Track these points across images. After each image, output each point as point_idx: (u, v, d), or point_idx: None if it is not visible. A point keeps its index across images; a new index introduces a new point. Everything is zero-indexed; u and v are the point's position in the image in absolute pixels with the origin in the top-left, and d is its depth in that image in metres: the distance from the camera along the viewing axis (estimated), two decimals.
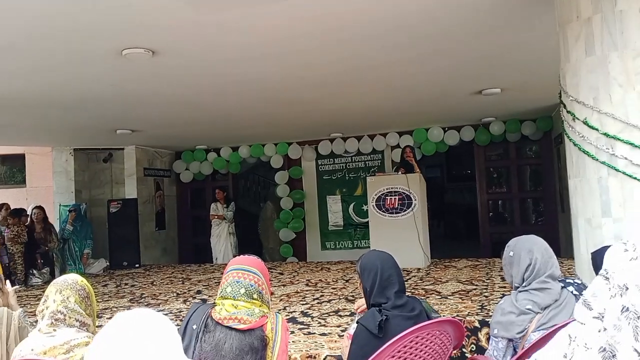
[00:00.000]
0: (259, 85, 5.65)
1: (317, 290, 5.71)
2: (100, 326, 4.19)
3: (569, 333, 1.49)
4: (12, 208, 7.77)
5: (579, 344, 1.44)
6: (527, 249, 2.38)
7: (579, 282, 2.42)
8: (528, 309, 2.28)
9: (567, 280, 2.39)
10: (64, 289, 2.12)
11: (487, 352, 2.48)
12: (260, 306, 2.07)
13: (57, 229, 8.65)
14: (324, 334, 3.83)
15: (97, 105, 6.28)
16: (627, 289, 1.40)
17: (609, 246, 2.55)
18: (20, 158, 10.59)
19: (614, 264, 1.48)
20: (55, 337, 2.03)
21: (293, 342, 3.63)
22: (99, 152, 9.77)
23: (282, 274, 7.12)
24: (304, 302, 5.04)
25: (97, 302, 5.67)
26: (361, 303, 2.54)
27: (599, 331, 1.41)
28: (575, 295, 2.32)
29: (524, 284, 2.36)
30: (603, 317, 1.43)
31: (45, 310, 2.09)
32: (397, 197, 7.03)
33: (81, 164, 9.67)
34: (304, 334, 3.85)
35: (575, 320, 1.52)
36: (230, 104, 6.53)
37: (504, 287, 5.13)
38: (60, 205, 9.12)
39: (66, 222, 8.50)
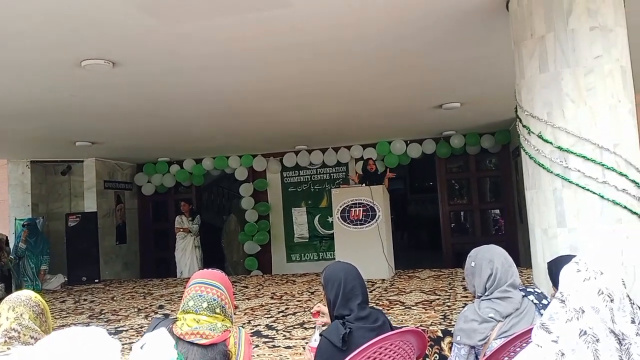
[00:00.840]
0: (221, 96, 5.63)
1: (282, 303, 5.68)
2: None
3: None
4: None
5: None
6: (488, 259, 2.43)
7: (539, 291, 2.48)
8: (490, 317, 2.33)
9: (528, 290, 2.44)
10: (17, 305, 2.05)
11: (449, 359, 2.52)
12: (222, 320, 2.04)
13: (12, 244, 8.36)
14: (288, 347, 3.82)
15: (55, 117, 6.13)
16: (584, 311, 1.43)
17: (564, 256, 2.66)
18: None
19: (568, 285, 1.51)
20: (10, 356, 1.95)
21: (258, 355, 3.60)
22: (57, 164, 9.50)
23: (246, 287, 7.06)
24: (269, 315, 5.00)
25: (55, 318, 5.51)
26: (321, 309, 2.54)
27: (557, 354, 1.44)
28: (535, 304, 2.39)
29: (486, 293, 2.41)
30: (558, 337, 1.45)
31: None
32: (361, 209, 7.10)
33: (38, 176, 9.38)
34: (269, 347, 3.83)
35: (532, 342, 1.55)
36: (192, 115, 6.48)
37: (466, 297, 5.22)
38: (15, 220, 8.81)
39: (20, 239, 8.20)
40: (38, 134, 7.06)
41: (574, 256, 2.57)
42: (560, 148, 3.08)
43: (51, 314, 5.79)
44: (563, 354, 1.41)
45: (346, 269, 2.39)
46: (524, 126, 3.32)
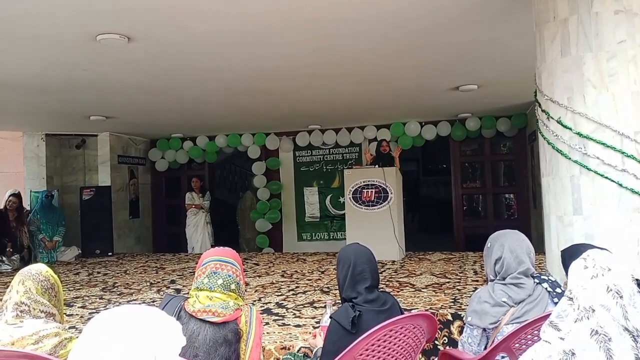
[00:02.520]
0: (235, 74, 5.59)
1: (293, 281, 5.71)
2: (71, 315, 4.10)
3: (533, 358, 1.50)
4: None
5: None
6: (500, 244, 2.43)
7: (553, 279, 2.47)
8: (504, 302, 2.33)
9: (542, 277, 2.44)
10: (27, 279, 2.08)
11: (460, 338, 2.53)
12: (235, 299, 2.06)
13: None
14: (298, 326, 3.84)
15: (70, 91, 6.14)
16: (594, 310, 1.40)
17: (578, 244, 2.63)
18: None
19: (576, 283, 1.48)
20: (23, 328, 1.99)
21: (267, 333, 3.63)
22: (72, 138, 9.57)
23: (257, 264, 7.11)
24: (279, 294, 5.04)
25: (69, 290, 5.60)
26: (314, 344, 2.56)
27: (565, 353, 1.42)
28: (549, 292, 2.38)
29: (498, 278, 2.41)
30: (567, 335, 1.43)
31: (9, 300, 2.05)
32: (373, 190, 7.08)
33: (53, 149, 9.46)
34: (279, 325, 3.86)
35: (541, 339, 1.53)
36: (206, 92, 6.46)
37: (477, 281, 5.22)
38: (31, 192, 8.92)
39: (37, 213, 8.33)
40: (53, 107, 7.09)
41: (589, 245, 2.55)
42: (579, 134, 3.03)
43: (65, 285, 5.85)
44: (574, 354, 1.39)
45: (357, 252, 2.39)
46: (543, 111, 3.26)
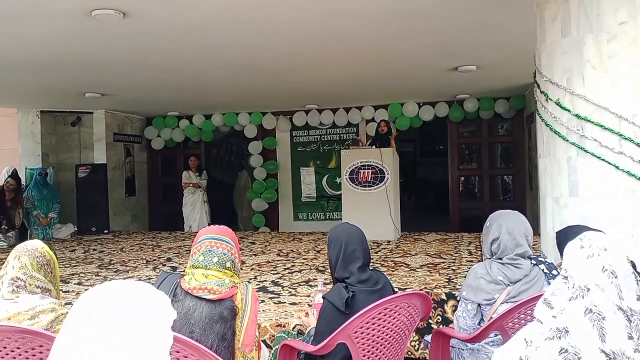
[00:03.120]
0: (232, 52, 5.53)
1: (289, 260, 5.74)
2: (67, 292, 4.12)
3: (525, 337, 1.51)
4: None
5: (536, 347, 1.46)
6: (499, 224, 2.44)
7: (550, 261, 2.49)
8: (500, 280, 2.35)
9: (539, 259, 2.46)
10: (22, 255, 2.08)
11: (455, 313, 2.56)
12: (231, 276, 2.06)
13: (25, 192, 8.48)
14: (293, 304, 3.87)
15: (64, 67, 6.07)
16: (589, 289, 1.41)
17: (573, 226, 2.64)
18: None
19: (571, 262, 1.49)
20: (18, 304, 2.00)
21: (263, 311, 3.66)
22: (67, 115, 9.49)
23: (254, 243, 7.13)
24: (275, 272, 5.07)
25: (65, 267, 5.61)
26: (307, 323, 2.59)
27: (559, 330, 1.43)
28: (545, 273, 2.40)
29: (494, 257, 2.42)
30: (561, 313, 1.44)
31: (5, 276, 2.05)
32: (370, 171, 7.07)
33: (48, 126, 9.39)
34: (274, 303, 3.89)
35: (534, 319, 1.55)
36: (202, 70, 6.40)
37: (471, 262, 5.25)
38: (26, 169, 8.88)
39: (31, 189, 8.32)
40: (47, 84, 7.02)
41: (584, 227, 2.57)
42: (577, 116, 3.02)
43: (61, 262, 5.86)
44: (567, 332, 1.40)
45: (349, 232, 2.39)
46: (542, 92, 3.24)
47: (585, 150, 3.01)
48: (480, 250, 2.60)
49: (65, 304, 3.75)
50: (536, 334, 1.48)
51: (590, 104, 3.00)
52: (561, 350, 1.40)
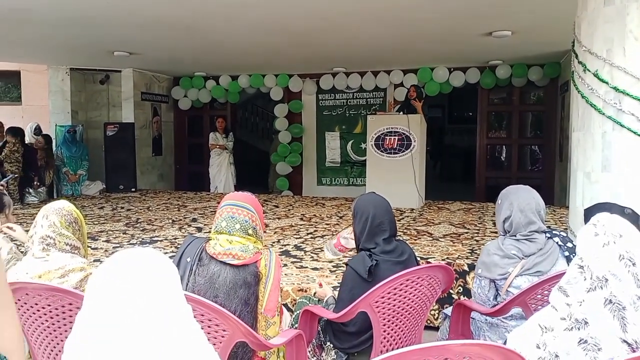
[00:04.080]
0: (261, 11, 5.44)
1: (311, 225, 5.78)
2: (96, 249, 4.23)
3: (540, 323, 1.49)
4: (9, 127, 7.64)
5: (554, 336, 1.44)
6: (510, 202, 2.41)
7: (564, 234, 2.48)
8: (513, 254, 2.35)
9: (554, 232, 2.45)
10: (50, 214, 2.14)
11: (472, 288, 2.57)
12: (254, 242, 2.08)
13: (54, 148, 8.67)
14: (315, 269, 3.91)
15: (93, 25, 6.07)
16: (607, 280, 1.38)
17: (602, 203, 2.57)
18: (16, 75, 10.37)
19: (587, 251, 1.45)
20: (49, 262, 2.06)
21: (285, 274, 3.71)
22: (96, 73, 9.56)
23: (277, 206, 7.19)
24: (298, 236, 5.12)
25: (94, 224, 5.76)
26: (322, 293, 2.59)
27: (578, 322, 1.40)
28: (560, 245, 2.40)
29: (506, 233, 2.41)
30: (580, 305, 1.41)
31: (35, 235, 2.11)
32: (396, 138, 6.99)
33: (77, 84, 9.50)
34: (297, 268, 3.93)
35: (549, 305, 1.52)
36: (230, 30, 6.32)
37: (495, 233, 5.20)
38: (56, 125, 9.04)
39: (60, 147, 8.49)
40: (76, 41, 7.04)
41: (613, 204, 2.50)
42: (616, 89, 2.90)
43: (89, 219, 6.01)
44: (587, 323, 1.38)
45: (376, 204, 2.37)
46: (579, 62, 3.12)
47: (621, 125, 2.90)
48: None
49: (94, 261, 3.87)
50: (553, 321, 1.46)
51: (630, 77, 2.87)
52: (580, 341, 1.38)
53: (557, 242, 2.39)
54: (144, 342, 0.98)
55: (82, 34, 6.53)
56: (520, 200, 2.40)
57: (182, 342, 1.03)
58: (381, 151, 7.07)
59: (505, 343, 2.39)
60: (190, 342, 1.05)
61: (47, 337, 1.87)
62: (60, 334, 1.83)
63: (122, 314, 0.99)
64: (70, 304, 1.82)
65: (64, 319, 1.83)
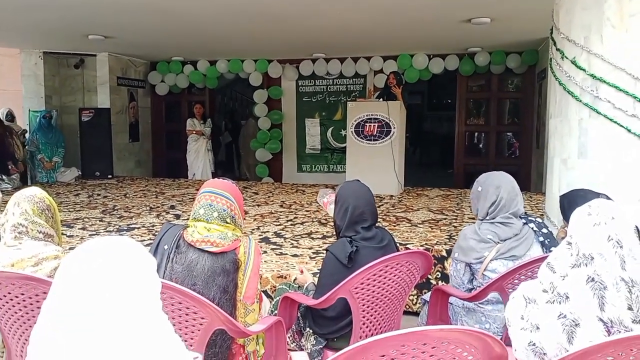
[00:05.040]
0: None
1: (291, 212, 5.77)
2: (71, 236, 4.14)
3: (524, 294, 1.51)
4: None
5: (536, 308, 1.46)
6: (496, 186, 2.45)
7: (540, 220, 2.54)
8: (489, 239, 2.39)
9: (529, 218, 2.51)
10: (22, 201, 2.08)
11: (449, 271, 2.61)
12: (233, 230, 2.06)
13: (28, 134, 8.46)
14: (295, 255, 3.91)
15: (66, 7, 5.90)
16: (592, 258, 1.40)
17: (578, 190, 2.61)
18: None
19: (577, 229, 1.47)
20: (22, 250, 2.01)
21: (265, 261, 3.70)
22: (70, 57, 9.33)
23: (257, 193, 7.15)
24: (278, 223, 5.10)
25: (69, 212, 5.66)
26: (302, 280, 2.60)
27: (559, 295, 1.43)
28: (535, 231, 2.46)
29: (487, 217, 2.44)
30: (562, 280, 1.44)
31: (6, 223, 2.06)
32: (376, 124, 6.99)
33: (51, 68, 9.26)
34: (276, 255, 3.93)
35: (534, 279, 1.55)
36: (208, 14, 6.21)
37: (473, 219, 5.25)
38: (29, 111, 8.82)
39: (35, 133, 8.29)
40: (50, 24, 6.85)
41: (589, 191, 2.54)
42: (593, 76, 2.93)
43: (65, 206, 5.90)
44: (567, 298, 1.41)
45: (358, 194, 2.38)
46: (557, 50, 3.14)
47: (597, 112, 2.94)
48: None
49: (69, 249, 3.80)
50: (536, 293, 1.49)
51: (607, 64, 2.90)
52: (560, 314, 1.41)
53: (532, 228, 2.45)
54: (110, 331, 0.96)
55: (56, 16, 6.35)
56: (506, 183, 2.46)
57: (149, 332, 1.01)
58: (361, 138, 7.07)
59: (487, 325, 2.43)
60: (157, 332, 1.03)
61: (20, 326, 1.83)
62: (34, 323, 1.79)
63: (89, 303, 0.96)
64: (44, 293, 1.77)
65: (38, 308, 1.79)
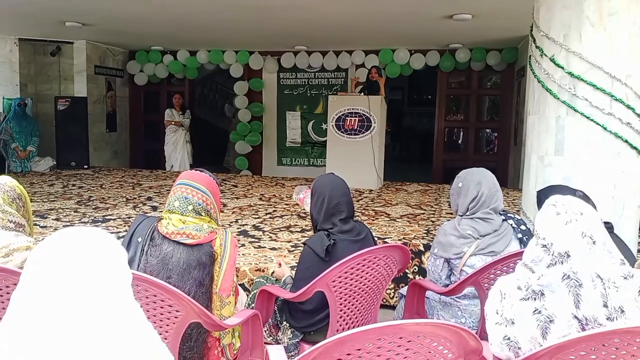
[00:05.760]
0: None
1: (270, 205, 5.74)
2: (45, 227, 4.06)
3: (500, 289, 1.52)
4: None
5: (511, 304, 1.47)
6: (476, 182, 2.46)
7: (519, 217, 2.57)
8: (468, 234, 2.40)
9: (508, 215, 2.53)
10: None
11: (427, 266, 2.62)
12: (209, 222, 2.03)
13: (2, 123, 8.25)
14: (274, 248, 3.89)
15: None
16: (569, 256, 1.41)
17: (554, 186, 2.64)
18: None
19: (549, 230, 1.47)
20: None
21: (243, 254, 3.68)
22: (47, 44, 9.11)
23: (236, 186, 7.10)
24: (256, 216, 5.07)
25: (43, 202, 5.55)
26: (280, 273, 2.61)
27: (534, 292, 1.43)
28: (514, 227, 2.48)
29: (467, 213, 2.45)
30: (538, 279, 1.44)
31: None
32: (357, 119, 6.99)
33: (27, 55, 9.03)
34: (255, 248, 3.90)
35: (514, 274, 1.55)
36: (189, 2, 6.11)
37: (451, 214, 5.29)
38: (3, 98, 8.60)
39: (8, 120, 8.09)
40: (25, 10, 6.67)
41: (565, 187, 2.57)
42: (571, 74, 2.96)
43: (39, 196, 5.78)
44: (543, 295, 1.41)
45: (333, 185, 2.37)
46: (537, 47, 3.16)
47: (575, 110, 2.97)
48: None
49: (43, 240, 3.72)
50: (511, 289, 1.49)
51: (585, 62, 2.93)
52: (535, 310, 1.42)
53: (511, 224, 2.47)
54: (80, 321, 0.94)
55: (32, 2, 6.18)
56: (486, 179, 2.47)
57: (120, 322, 0.99)
58: (342, 132, 7.06)
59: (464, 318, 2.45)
60: (130, 322, 1.01)
61: None
62: (3, 314, 1.75)
63: (58, 293, 0.94)
64: (15, 285, 1.73)
65: (8, 299, 1.74)
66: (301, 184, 2.83)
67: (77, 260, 0.98)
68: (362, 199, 6.10)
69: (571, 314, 1.37)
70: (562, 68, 2.98)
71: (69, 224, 4.54)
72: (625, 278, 1.38)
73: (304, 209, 2.82)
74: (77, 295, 0.95)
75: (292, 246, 3.96)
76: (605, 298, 1.36)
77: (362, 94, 7.23)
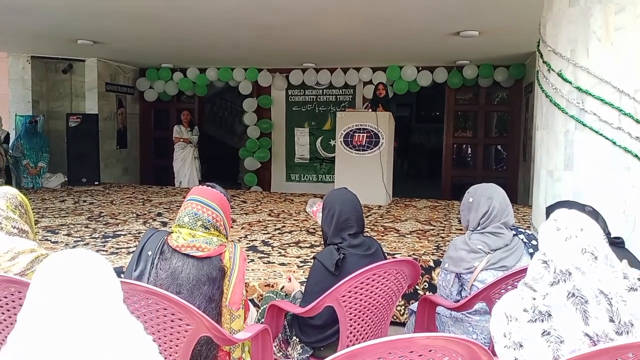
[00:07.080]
0: (229, 4, 5.37)
1: (279, 220, 5.75)
2: (56, 242, 4.08)
3: (505, 312, 1.50)
4: None
5: (518, 327, 1.45)
6: (487, 197, 2.45)
7: (530, 232, 2.55)
8: (479, 249, 2.39)
9: (519, 230, 2.51)
10: None
11: (437, 281, 2.60)
12: (218, 236, 2.04)
13: (12, 138, 8.36)
14: (283, 264, 3.89)
15: (55, 12, 5.87)
16: (570, 273, 1.40)
17: (563, 201, 2.63)
18: None
19: (550, 246, 1.46)
20: None
21: (252, 270, 3.68)
22: (59, 62, 9.26)
23: (245, 202, 7.12)
24: (266, 232, 5.07)
25: (54, 217, 5.61)
26: (290, 288, 2.61)
27: (541, 314, 1.42)
28: (524, 242, 2.46)
29: (478, 228, 2.44)
30: (543, 298, 1.43)
31: None
32: (365, 135, 7.01)
33: (39, 73, 9.19)
34: (264, 263, 3.90)
35: (516, 292, 1.54)
36: (198, 22, 6.21)
37: (460, 229, 5.28)
38: (16, 115, 8.73)
39: (20, 138, 8.20)
40: (39, 28, 6.80)
41: (574, 202, 2.56)
42: (579, 89, 2.97)
43: (51, 212, 5.84)
44: (550, 315, 1.40)
45: (343, 200, 2.37)
46: (544, 62, 3.17)
47: (583, 124, 2.97)
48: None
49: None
50: (517, 312, 1.48)
51: (593, 77, 2.94)
52: (544, 332, 1.40)
53: (522, 239, 2.45)
54: (75, 343, 1.02)
55: (44, 21, 6.31)
56: (496, 194, 2.46)
57: (117, 335, 1.07)
58: (350, 148, 7.08)
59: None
60: (122, 336, 1.09)
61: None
62: (5, 319, 1.76)
63: (54, 315, 1.03)
64: (20, 292, 1.75)
65: (13, 307, 1.76)
66: (314, 197, 2.85)
67: (70, 281, 1.06)
68: (371, 215, 6.09)
69: (581, 331, 1.36)
70: (570, 83, 2.99)
71: (79, 239, 4.57)
72: (629, 291, 1.37)
73: (315, 222, 2.83)
74: (74, 314, 1.03)
75: (301, 262, 3.96)
76: (611, 313, 1.35)
77: (370, 110, 7.25)
